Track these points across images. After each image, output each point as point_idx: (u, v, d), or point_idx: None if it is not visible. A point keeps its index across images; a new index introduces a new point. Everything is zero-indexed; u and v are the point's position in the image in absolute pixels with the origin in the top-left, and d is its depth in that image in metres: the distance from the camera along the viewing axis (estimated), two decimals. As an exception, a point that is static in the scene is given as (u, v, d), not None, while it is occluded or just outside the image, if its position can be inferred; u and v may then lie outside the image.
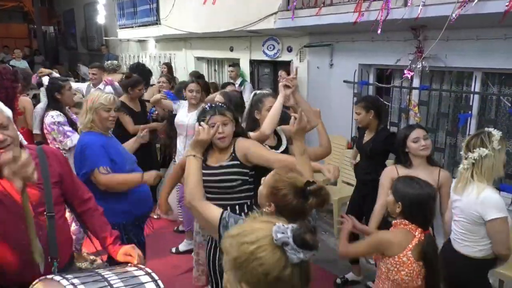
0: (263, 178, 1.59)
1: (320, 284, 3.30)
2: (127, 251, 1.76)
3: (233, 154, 2.16)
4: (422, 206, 1.91)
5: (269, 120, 2.30)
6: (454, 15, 2.92)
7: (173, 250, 3.83)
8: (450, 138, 4.00)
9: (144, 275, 1.42)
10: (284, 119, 2.42)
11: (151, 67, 8.12)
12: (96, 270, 1.42)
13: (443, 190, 2.44)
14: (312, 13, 4.19)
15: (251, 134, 2.36)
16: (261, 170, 1.66)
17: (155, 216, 4.45)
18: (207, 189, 2.03)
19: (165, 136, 4.46)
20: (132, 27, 9.01)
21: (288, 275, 0.94)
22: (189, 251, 3.61)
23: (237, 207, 2.15)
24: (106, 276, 1.35)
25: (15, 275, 1.61)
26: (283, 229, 0.95)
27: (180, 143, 3.77)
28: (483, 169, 2.07)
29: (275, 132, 2.57)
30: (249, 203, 2.18)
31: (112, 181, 2.37)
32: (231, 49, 6.66)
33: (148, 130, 3.20)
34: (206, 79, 6.31)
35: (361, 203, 3.13)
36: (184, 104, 3.92)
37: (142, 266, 1.52)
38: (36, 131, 3.56)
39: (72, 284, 1.26)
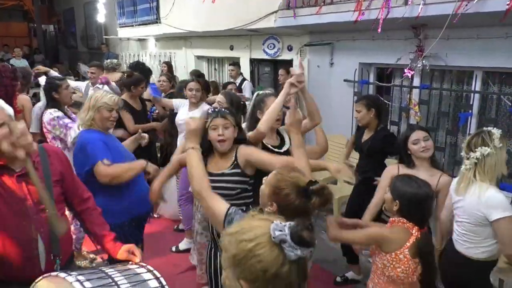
0: (264, 178, 1.58)
1: (320, 283, 3.30)
2: (129, 249, 1.76)
3: (235, 162, 2.15)
4: (419, 205, 1.92)
5: (266, 117, 2.27)
6: (455, 13, 2.91)
7: (173, 248, 3.84)
8: (451, 137, 4.00)
9: (146, 272, 1.42)
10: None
11: (151, 66, 8.12)
12: (100, 268, 1.43)
13: (440, 195, 2.40)
14: (313, 11, 4.18)
15: (249, 134, 2.36)
16: (261, 176, 1.65)
17: (155, 215, 4.45)
18: None
19: (166, 134, 4.46)
20: (132, 25, 9.00)
21: (286, 271, 0.95)
22: (189, 250, 3.61)
23: None
24: (109, 273, 1.36)
25: (17, 272, 1.62)
26: (280, 227, 0.96)
27: (180, 142, 3.77)
28: (486, 168, 2.06)
29: (278, 132, 2.57)
30: (244, 208, 2.18)
31: (117, 170, 2.35)
32: (231, 48, 6.65)
33: (148, 132, 3.20)
34: (206, 78, 6.30)
35: (360, 202, 3.13)
36: (185, 103, 3.92)
37: (144, 264, 1.52)
38: (33, 130, 3.55)
39: (78, 280, 1.26)
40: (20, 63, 8.99)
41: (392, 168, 2.61)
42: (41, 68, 4.93)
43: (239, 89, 5.36)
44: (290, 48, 5.54)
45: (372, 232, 2.03)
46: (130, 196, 2.51)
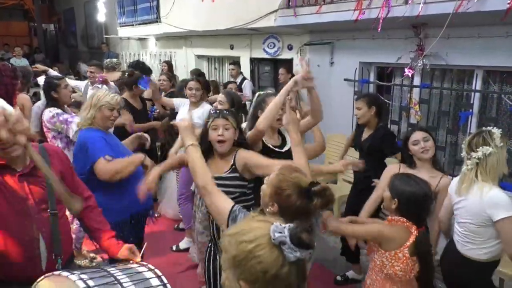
0: (266, 178, 1.58)
1: (321, 282, 3.30)
2: (129, 248, 1.77)
3: (234, 166, 2.14)
4: (418, 204, 1.92)
5: (265, 115, 2.26)
6: (455, 12, 2.91)
7: (174, 247, 3.84)
8: (451, 136, 3.99)
9: (148, 271, 1.43)
10: None
11: (151, 65, 8.11)
12: (101, 267, 1.44)
13: (440, 196, 2.39)
14: (313, 11, 4.17)
15: (249, 132, 2.35)
16: (262, 178, 1.65)
17: (155, 215, 4.45)
18: None
19: (167, 134, 4.46)
20: (133, 25, 9.00)
21: (286, 273, 0.96)
22: (189, 249, 3.61)
23: None
24: (111, 271, 1.36)
25: (18, 271, 1.62)
26: (280, 229, 0.97)
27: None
28: (487, 167, 2.05)
29: (279, 132, 2.56)
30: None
31: (118, 166, 2.35)
32: (232, 47, 6.65)
33: (148, 131, 3.19)
34: (207, 77, 6.31)
35: (359, 201, 3.13)
36: (185, 102, 3.92)
37: (145, 263, 1.52)
38: (33, 128, 3.55)
39: (81, 279, 1.26)
40: (21, 62, 8.99)
41: (393, 167, 2.61)
42: (39, 66, 4.93)
43: (239, 88, 5.36)
44: (290, 47, 5.54)
45: (374, 228, 2.02)
46: (130, 194, 2.51)
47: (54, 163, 1.74)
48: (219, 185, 2.08)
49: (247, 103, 4.83)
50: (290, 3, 4.51)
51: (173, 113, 4.09)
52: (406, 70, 3.91)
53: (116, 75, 4.89)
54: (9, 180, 1.59)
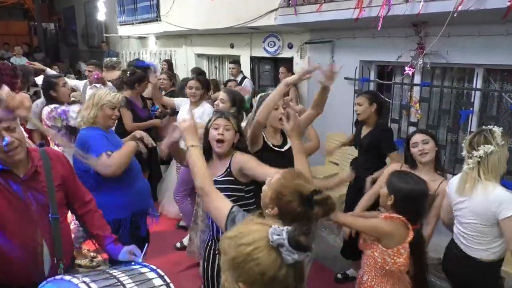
0: (268, 178, 1.58)
1: (321, 280, 3.30)
2: (130, 251, 1.77)
3: (228, 170, 2.14)
4: (414, 202, 1.93)
5: (263, 107, 2.27)
6: (455, 11, 2.90)
7: (178, 245, 3.83)
8: (452, 134, 3.99)
9: (150, 271, 1.43)
10: None
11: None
12: (103, 270, 1.44)
13: (438, 201, 2.35)
14: (313, 9, 4.17)
15: (250, 129, 2.36)
16: (262, 183, 1.65)
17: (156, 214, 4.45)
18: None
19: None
20: (133, 23, 8.99)
21: (283, 275, 0.98)
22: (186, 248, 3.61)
23: None
24: (114, 274, 1.37)
25: (21, 276, 1.63)
26: (278, 231, 0.99)
27: (182, 140, 3.77)
28: (489, 166, 2.05)
29: (281, 132, 2.57)
30: None
31: (119, 160, 2.35)
32: (232, 46, 6.64)
33: (149, 130, 3.18)
34: (207, 76, 6.30)
35: (357, 199, 3.12)
36: (185, 101, 3.92)
37: (146, 264, 1.53)
38: (30, 126, 3.56)
39: (84, 282, 1.27)
40: (21, 61, 8.98)
41: (395, 166, 2.61)
42: (37, 64, 4.93)
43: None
44: (290, 46, 5.53)
45: (376, 224, 2.01)
46: (131, 190, 2.55)
47: (55, 167, 1.74)
48: None
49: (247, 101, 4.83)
50: (290, 2, 4.50)
51: (174, 112, 4.09)
52: (406, 68, 3.90)
53: (116, 74, 4.89)
54: (13, 186, 1.59)
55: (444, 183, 2.38)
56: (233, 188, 2.13)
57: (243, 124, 2.59)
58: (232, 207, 1.56)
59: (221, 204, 1.58)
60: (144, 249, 1.82)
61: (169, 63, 6.59)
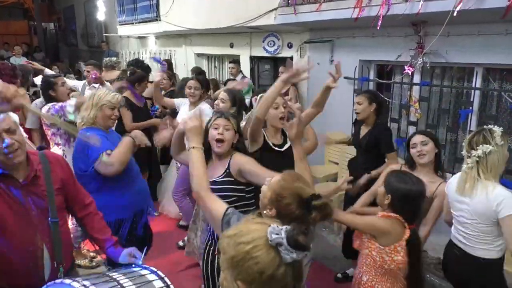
0: (268, 179, 1.57)
1: (321, 279, 3.30)
2: (130, 253, 1.78)
3: (228, 170, 2.14)
4: (411, 202, 1.93)
5: (261, 104, 2.26)
6: (455, 10, 2.90)
7: (180, 243, 3.83)
8: (451, 134, 3.99)
9: (150, 273, 1.43)
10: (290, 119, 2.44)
11: (151, 64, 8.10)
12: (104, 272, 1.44)
13: (436, 202, 2.34)
14: (313, 8, 4.17)
15: (249, 125, 2.36)
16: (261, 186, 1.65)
17: (155, 213, 4.46)
18: None
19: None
20: (132, 23, 8.99)
21: (282, 273, 0.99)
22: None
23: None
24: (114, 276, 1.37)
25: (22, 280, 1.62)
26: (277, 230, 1.00)
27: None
28: (488, 166, 2.05)
29: (282, 131, 2.57)
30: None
31: (118, 155, 2.35)
32: (231, 46, 6.64)
33: (148, 129, 3.18)
34: (206, 75, 6.30)
35: (357, 199, 3.12)
36: (185, 101, 3.92)
37: (147, 266, 1.53)
38: (28, 125, 3.56)
39: (84, 285, 1.27)
40: (20, 61, 8.98)
41: (395, 166, 2.61)
42: (35, 64, 4.93)
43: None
44: (290, 46, 5.53)
45: (373, 221, 2.01)
46: (131, 190, 2.56)
47: (55, 171, 1.74)
48: (214, 190, 2.08)
49: (246, 101, 4.83)
50: (289, 1, 4.50)
51: (175, 112, 4.09)
52: (406, 68, 3.90)
53: (115, 73, 4.89)
54: (13, 191, 1.59)
55: (442, 185, 2.37)
56: (233, 189, 2.13)
57: (242, 124, 2.59)
58: (227, 209, 1.56)
59: (216, 207, 1.59)
60: (144, 251, 1.82)
61: (168, 63, 6.57)
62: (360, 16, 3.64)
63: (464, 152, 2.16)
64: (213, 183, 2.11)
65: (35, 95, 5.09)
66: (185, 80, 4.38)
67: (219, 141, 2.13)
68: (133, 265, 1.65)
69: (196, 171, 1.68)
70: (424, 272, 3.31)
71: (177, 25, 6.93)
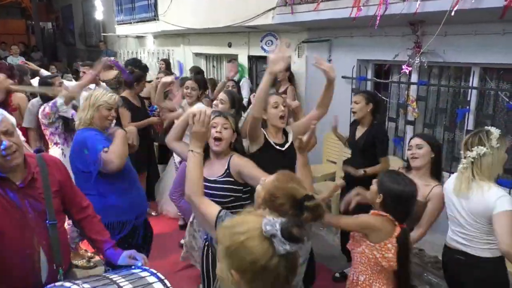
0: (262, 178, 1.58)
1: (319, 279, 3.30)
2: (129, 255, 1.78)
3: (228, 171, 2.15)
4: (403, 202, 1.94)
5: (255, 102, 2.29)
6: (452, 10, 2.91)
7: (182, 241, 3.83)
8: (448, 133, 4.00)
9: (150, 275, 1.44)
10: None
11: (149, 63, 8.10)
12: (104, 274, 1.45)
13: (430, 206, 2.34)
14: (310, 8, 4.17)
15: (245, 123, 2.37)
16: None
17: (153, 213, 4.47)
18: None
19: (165, 131, 4.47)
20: (130, 23, 8.97)
21: (274, 264, 1.01)
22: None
23: None
24: (114, 279, 1.37)
25: (19, 284, 1.62)
26: (272, 222, 1.02)
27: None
28: (482, 167, 2.06)
29: (284, 131, 2.57)
30: None
31: (116, 149, 2.35)
32: (230, 45, 6.64)
33: (147, 128, 3.19)
34: (205, 75, 6.30)
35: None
36: (184, 102, 3.92)
37: (147, 268, 1.53)
38: (25, 124, 3.56)
39: None
40: (17, 60, 8.96)
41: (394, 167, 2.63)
42: (31, 65, 4.94)
43: (237, 86, 5.35)
44: (288, 45, 5.52)
45: (363, 219, 2.03)
46: (132, 192, 2.57)
47: (52, 173, 1.73)
48: (212, 189, 2.09)
49: (245, 101, 4.83)
50: (287, 1, 4.50)
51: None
52: (403, 67, 3.91)
53: (113, 73, 4.89)
54: (10, 194, 1.58)
55: (436, 188, 2.36)
56: (232, 189, 2.14)
57: (240, 125, 2.60)
58: (220, 211, 1.57)
59: (209, 210, 1.60)
60: (145, 253, 1.82)
61: (166, 63, 6.58)
62: (358, 15, 3.64)
63: (461, 152, 2.18)
64: (214, 182, 2.12)
65: (32, 95, 5.09)
66: (184, 79, 4.38)
67: (217, 139, 2.14)
68: (133, 266, 1.65)
69: (191, 176, 1.70)
70: (422, 271, 3.33)
71: (175, 25, 6.92)
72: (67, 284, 1.32)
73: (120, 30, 9.65)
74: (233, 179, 2.14)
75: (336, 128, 3.55)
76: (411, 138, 2.54)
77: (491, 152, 2.04)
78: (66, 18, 15.55)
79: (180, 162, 3.86)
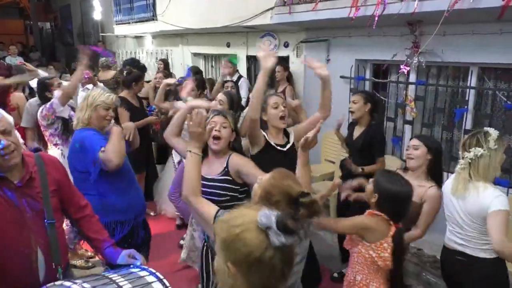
0: (259, 177, 1.59)
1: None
2: (129, 254, 1.78)
3: (226, 169, 2.15)
4: (399, 203, 1.95)
5: (251, 103, 2.29)
6: (450, 9, 2.92)
7: (182, 242, 3.84)
8: (446, 133, 4.01)
9: (149, 275, 1.44)
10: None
11: (148, 63, 8.09)
12: (103, 274, 1.45)
13: (425, 207, 2.34)
14: (309, 8, 4.17)
15: (243, 124, 2.37)
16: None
17: (152, 214, 4.47)
18: None
19: (162, 127, 4.47)
20: (129, 23, 8.96)
21: (269, 256, 1.01)
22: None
23: None
24: (113, 278, 1.38)
25: (16, 283, 1.62)
26: (267, 215, 1.02)
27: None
28: (479, 168, 2.07)
29: (284, 131, 2.57)
30: None
31: (113, 147, 2.34)
32: (228, 45, 6.64)
33: (146, 128, 3.20)
34: (203, 75, 6.29)
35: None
36: (184, 104, 3.92)
37: (145, 267, 1.53)
38: (23, 124, 3.56)
39: (83, 287, 1.27)
40: (16, 60, 8.94)
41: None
42: (28, 65, 4.93)
43: (236, 86, 5.36)
44: (286, 45, 5.53)
45: (358, 221, 2.04)
46: (130, 192, 2.57)
47: (50, 172, 1.73)
48: (210, 187, 2.10)
49: (244, 100, 4.83)
50: (286, 1, 4.51)
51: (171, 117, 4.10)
52: (401, 67, 3.91)
53: (111, 73, 4.89)
54: (7, 193, 1.58)
55: (432, 189, 2.36)
56: (229, 188, 2.14)
57: (239, 125, 2.60)
58: (218, 211, 1.57)
59: (207, 210, 1.61)
60: (144, 252, 1.82)
61: (165, 63, 6.57)
62: (356, 15, 3.65)
63: (460, 153, 2.18)
64: (211, 180, 2.12)
65: (30, 96, 5.09)
66: (183, 79, 4.37)
67: (216, 138, 2.14)
68: (132, 266, 1.65)
69: (189, 177, 1.71)
70: (420, 270, 3.34)
71: (174, 25, 6.92)
72: (66, 283, 1.32)
73: (119, 30, 9.64)
74: (230, 178, 2.14)
75: (339, 127, 3.56)
76: (410, 139, 2.54)
77: (489, 154, 2.05)
78: (65, 18, 15.52)
79: (179, 162, 3.86)
